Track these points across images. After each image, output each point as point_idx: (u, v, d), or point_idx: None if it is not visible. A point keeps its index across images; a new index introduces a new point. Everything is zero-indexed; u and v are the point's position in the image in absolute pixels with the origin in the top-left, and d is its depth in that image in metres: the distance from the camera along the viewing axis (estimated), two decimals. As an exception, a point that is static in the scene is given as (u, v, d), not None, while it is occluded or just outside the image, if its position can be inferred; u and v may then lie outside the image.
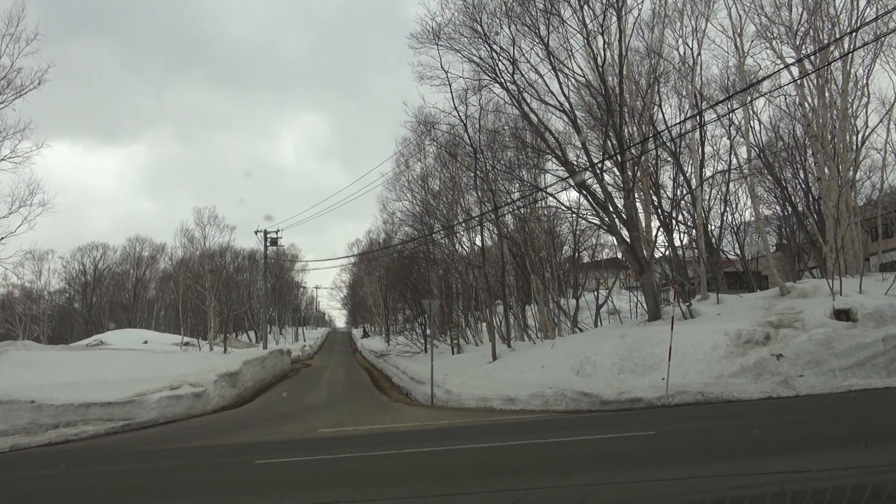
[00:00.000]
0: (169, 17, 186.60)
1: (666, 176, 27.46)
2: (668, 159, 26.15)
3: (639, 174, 23.44)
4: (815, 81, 21.55)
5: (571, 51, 22.93)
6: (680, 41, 23.47)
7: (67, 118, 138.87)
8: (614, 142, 21.79)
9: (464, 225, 31.71)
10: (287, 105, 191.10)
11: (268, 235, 44.12)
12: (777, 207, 31.92)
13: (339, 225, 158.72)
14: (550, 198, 28.64)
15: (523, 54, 22.97)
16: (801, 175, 26.83)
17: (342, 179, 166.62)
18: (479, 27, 22.54)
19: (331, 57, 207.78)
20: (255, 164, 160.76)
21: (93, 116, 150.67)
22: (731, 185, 27.82)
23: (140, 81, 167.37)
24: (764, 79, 21.70)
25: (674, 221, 25.93)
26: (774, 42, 21.56)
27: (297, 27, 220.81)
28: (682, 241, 27.25)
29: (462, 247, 34.49)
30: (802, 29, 21.01)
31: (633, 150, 22.12)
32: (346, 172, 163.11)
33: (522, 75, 23.07)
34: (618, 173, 22.46)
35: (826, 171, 21.62)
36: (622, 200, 22.08)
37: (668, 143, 24.64)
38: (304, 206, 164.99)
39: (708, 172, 26.52)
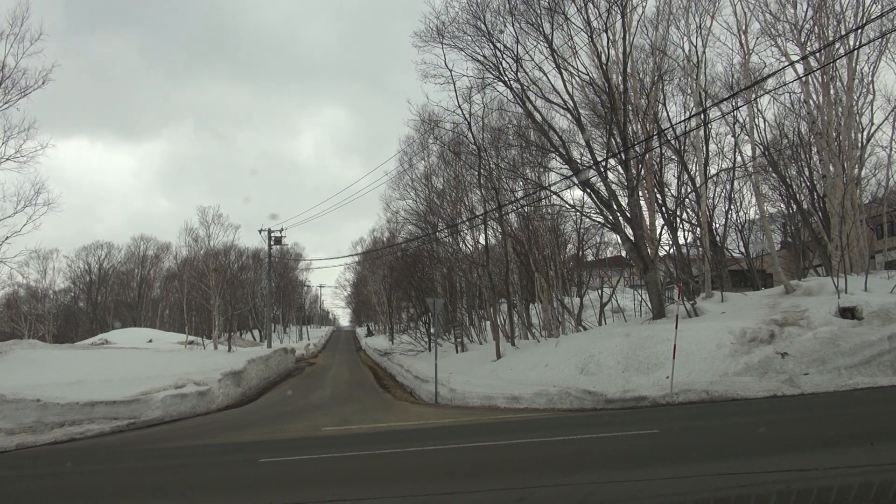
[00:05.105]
0: (191, 9, 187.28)
1: (670, 174, 27.46)
2: (673, 157, 26.12)
3: (643, 172, 23.39)
4: (820, 79, 21.48)
5: (575, 49, 22.92)
6: (684, 39, 23.47)
7: (86, 115, 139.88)
8: (618, 140, 21.74)
9: (467, 223, 31.70)
10: (308, 99, 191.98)
11: (272, 234, 44.19)
12: (782, 205, 31.92)
13: (353, 222, 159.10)
14: (554, 196, 28.68)
15: (527, 52, 22.97)
16: (806, 173, 26.77)
17: (360, 175, 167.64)
18: (482, 25, 22.52)
19: (355, 50, 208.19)
20: (274, 160, 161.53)
21: (113, 113, 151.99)
22: (735, 182, 27.79)
23: (162, 76, 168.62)
24: (769, 76, 21.64)
25: (678, 219, 25.90)
26: (779, 39, 21.51)
27: (322, 19, 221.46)
28: (686, 240, 27.25)
29: (466, 245, 34.53)
30: (807, 26, 20.94)
31: (637, 148, 22.07)
32: (367, 169, 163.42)
33: (526, 73, 23.06)
34: (622, 171, 22.41)
35: (831, 168, 21.54)
36: (626, 199, 22.03)
37: (673, 141, 24.60)
38: (319, 204, 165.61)
39: (712, 170, 26.50)
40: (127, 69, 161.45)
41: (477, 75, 24.34)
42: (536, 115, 23.69)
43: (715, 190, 27.49)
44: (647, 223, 24.23)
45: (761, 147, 25.94)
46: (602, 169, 22.15)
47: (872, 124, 23.44)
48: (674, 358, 14.04)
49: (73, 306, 74.18)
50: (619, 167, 22.81)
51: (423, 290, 38.49)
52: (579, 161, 24.01)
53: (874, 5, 20.22)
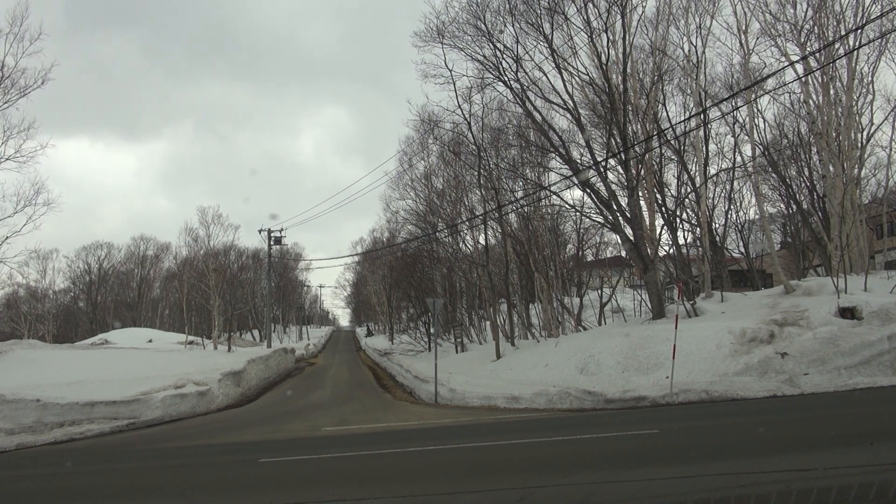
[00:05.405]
0: (191, 9, 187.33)
1: (670, 174, 27.47)
2: (673, 157, 26.13)
3: (643, 172, 23.39)
4: (819, 79, 21.48)
5: (575, 49, 22.93)
6: (684, 39, 23.47)
7: (86, 115, 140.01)
8: (618, 140, 21.75)
9: (467, 223, 31.71)
10: (308, 99, 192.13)
11: (272, 234, 44.19)
12: (781, 205, 31.95)
13: (353, 222, 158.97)
14: (554, 196, 28.69)
15: (527, 52, 22.97)
16: (806, 173, 26.79)
17: (360, 175, 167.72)
18: (482, 25, 22.52)
19: (355, 50, 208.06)
20: (274, 160, 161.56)
21: (113, 113, 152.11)
22: (735, 183, 27.81)
23: (162, 76, 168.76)
24: (768, 76, 21.64)
25: (678, 220, 25.91)
26: (779, 39, 21.51)
27: (322, 19, 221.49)
28: (686, 240, 27.26)
29: (466, 245, 34.55)
30: (807, 26, 20.95)
31: (637, 149, 22.07)
32: (367, 169, 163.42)
33: (526, 73, 23.06)
34: (622, 171, 22.42)
35: (831, 168, 21.54)
36: (626, 199, 22.04)
37: (673, 142, 24.60)
38: (319, 204, 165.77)
39: (712, 170, 26.51)
40: (127, 69, 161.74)
41: (477, 75, 24.37)
42: (536, 115, 23.69)
43: (715, 190, 27.53)
44: (647, 223, 24.23)
45: (761, 147, 25.96)
46: (602, 169, 22.15)
47: (872, 124, 23.50)
48: (673, 358, 14.04)
49: (72, 306, 74.15)
50: (619, 167, 22.82)
51: (422, 290, 38.49)
52: (579, 161, 24.02)
53: (874, 5, 20.27)
